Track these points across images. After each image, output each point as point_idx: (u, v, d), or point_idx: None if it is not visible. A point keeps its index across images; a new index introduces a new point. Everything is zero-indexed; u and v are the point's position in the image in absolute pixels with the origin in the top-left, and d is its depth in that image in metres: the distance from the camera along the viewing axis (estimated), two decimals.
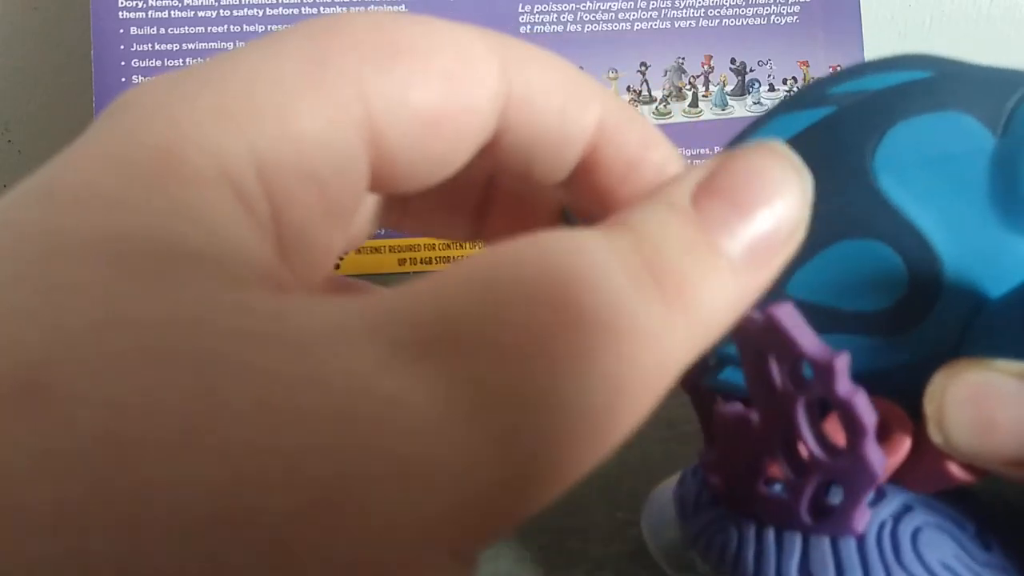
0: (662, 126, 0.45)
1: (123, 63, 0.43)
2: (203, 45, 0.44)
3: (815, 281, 0.16)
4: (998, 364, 0.15)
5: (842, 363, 0.14)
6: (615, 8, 0.45)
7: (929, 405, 0.16)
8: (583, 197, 0.17)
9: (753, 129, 0.17)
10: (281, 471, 0.09)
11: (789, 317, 0.14)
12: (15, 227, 0.11)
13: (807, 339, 0.14)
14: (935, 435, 0.16)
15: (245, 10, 0.44)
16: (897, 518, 0.17)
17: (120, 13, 0.43)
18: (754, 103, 0.46)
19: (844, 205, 0.16)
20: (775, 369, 0.15)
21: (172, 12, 0.44)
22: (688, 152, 0.45)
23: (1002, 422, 0.15)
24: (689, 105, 0.45)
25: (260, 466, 0.09)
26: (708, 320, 0.12)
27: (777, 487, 0.17)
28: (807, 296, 0.16)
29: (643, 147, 0.16)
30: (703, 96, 0.45)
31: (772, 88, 0.46)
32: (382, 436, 0.10)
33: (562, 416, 0.11)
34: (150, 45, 0.43)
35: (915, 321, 0.16)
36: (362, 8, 0.44)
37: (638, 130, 0.16)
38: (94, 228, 0.11)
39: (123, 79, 0.43)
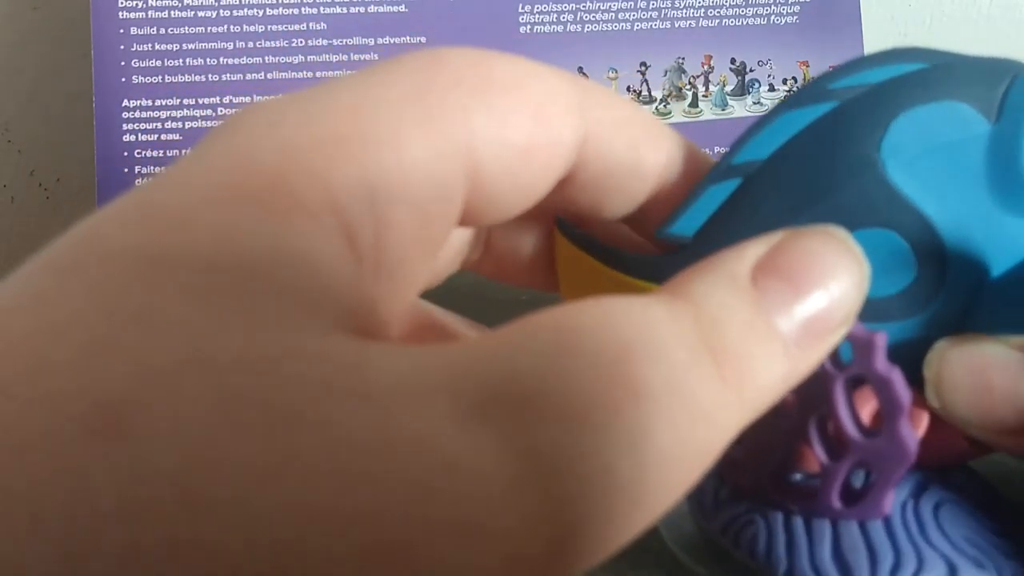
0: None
1: (123, 63, 0.43)
2: (203, 45, 0.44)
3: None
4: (998, 337, 0.16)
5: (881, 341, 0.15)
6: (615, 8, 0.45)
7: (928, 370, 0.16)
8: (647, 231, 0.17)
9: (758, 128, 0.17)
10: (342, 534, 0.10)
11: None
12: (111, 245, 0.11)
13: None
14: (932, 399, 0.16)
15: (245, 10, 0.44)
16: (917, 496, 0.17)
17: (120, 13, 0.43)
18: (754, 103, 0.46)
19: (856, 196, 0.16)
20: None
21: (172, 12, 0.44)
22: None
23: (999, 389, 0.15)
24: (689, 105, 0.45)
25: (323, 527, 0.10)
26: (759, 398, 0.13)
27: (797, 476, 0.17)
28: None
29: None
30: (703, 96, 0.45)
31: (772, 88, 0.46)
32: (443, 502, 0.10)
33: (615, 488, 0.11)
34: (150, 45, 0.43)
35: (922, 305, 0.16)
36: (363, 9, 0.44)
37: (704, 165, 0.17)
38: (191, 258, 0.11)
39: (123, 79, 0.43)
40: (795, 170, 0.16)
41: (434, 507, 0.10)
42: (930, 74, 0.16)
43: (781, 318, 0.13)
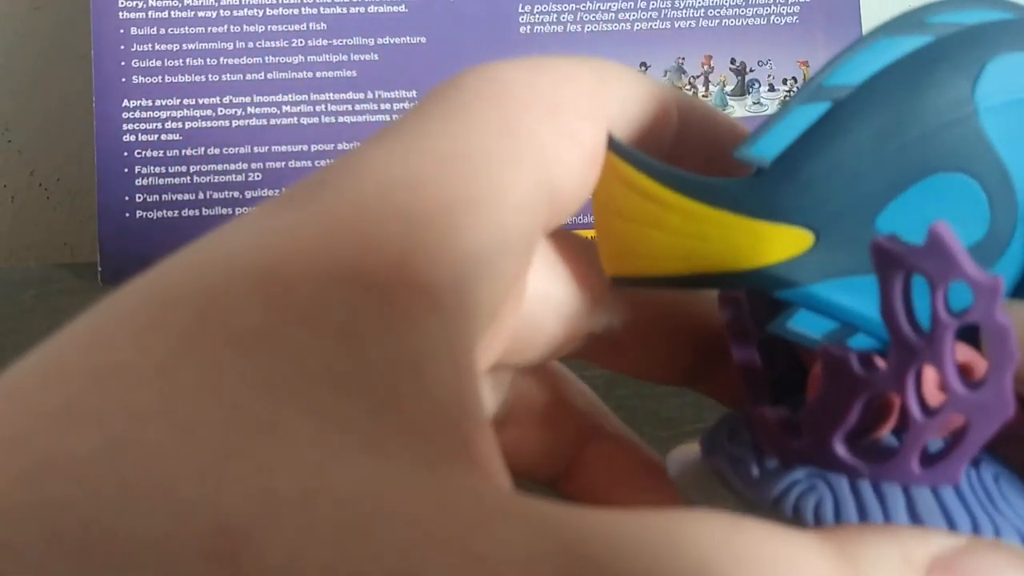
0: None
1: (123, 63, 0.43)
2: (203, 45, 0.44)
3: (906, 216, 0.16)
4: None
5: (1001, 286, 0.13)
6: (615, 8, 0.45)
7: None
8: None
9: (851, 52, 0.16)
10: None
11: (951, 237, 0.13)
12: (231, 325, 0.11)
13: (968, 261, 0.13)
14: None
15: (245, 10, 0.44)
16: (976, 465, 0.16)
17: (120, 13, 0.43)
18: (754, 103, 0.46)
19: (946, 137, 0.15)
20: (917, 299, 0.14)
21: (172, 12, 0.44)
22: None
23: None
24: None
25: None
26: None
27: (875, 437, 0.16)
28: (897, 231, 0.15)
29: (715, 130, 0.17)
30: (703, 96, 0.45)
31: (772, 88, 0.46)
32: None
33: None
34: (150, 45, 0.43)
35: (990, 263, 0.16)
36: (363, 9, 0.44)
37: (710, 116, 0.17)
38: (317, 364, 0.10)
39: (123, 79, 0.43)
40: (888, 101, 0.16)
41: None
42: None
43: None
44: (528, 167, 0.14)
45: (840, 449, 0.16)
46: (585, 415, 0.20)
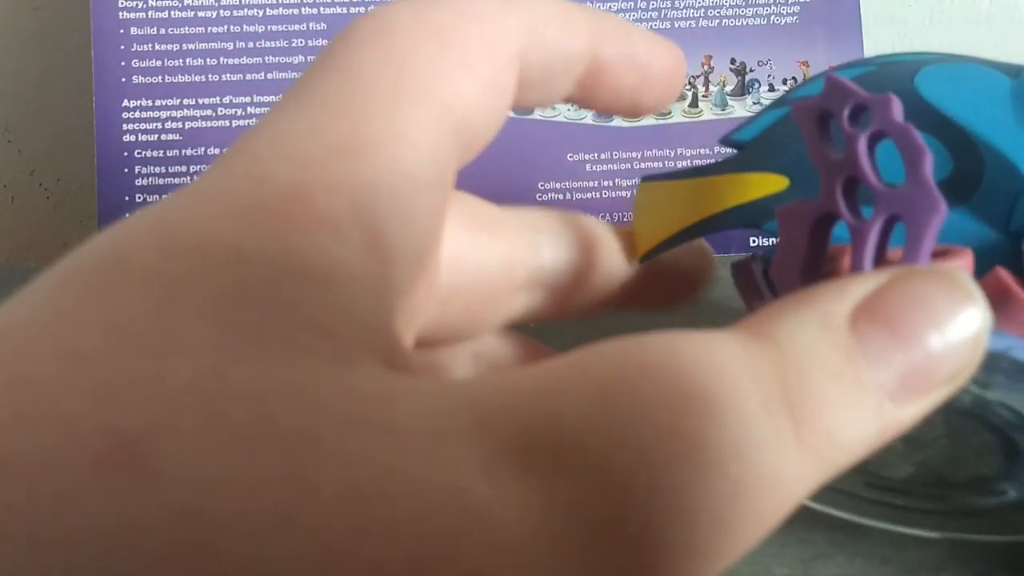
0: (662, 127, 0.45)
1: (123, 63, 0.43)
2: (203, 45, 0.44)
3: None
4: None
5: (895, 100, 0.15)
6: (615, 8, 0.45)
7: None
8: (585, 103, 0.17)
9: (813, 78, 0.21)
10: None
11: (843, 79, 0.16)
12: (131, 267, 0.11)
13: (862, 89, 0.16)
14: None
15: (245, 10, 0.44)
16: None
17: (120, 13, 0.43)
18: (754, 103, 0.46)
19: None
20: (830, 131, 0.17)
21: (172, 12, 0.44)
22: (688, 152, 0.45)
23: None
24: (689, 105, 0.45)
25: (339, 570, 0.09)
26: (839, 459, 0.11)
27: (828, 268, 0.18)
28: None
29: (642, 54, 0.17)
30: (703, 96, 0.45)
31: (772, 88, 0.46)
32: (465, 551, 0.09)
33: (661, 555, 0.10)
34: (150, 45, 0.43)
35: (966, 196, 0.18)
36: (362, 9, 0.44)
37: (636, 41, 0.17)
38: (211, 284, 0.11)
39: (123, 79, 0.43)
40: None
41: (457, 561, 0.09)
42: (955, 55, 0.20)
43: (878, 369, 0.12)
44: (421, 102, 0.13)
45: (801, 284, 0.17)
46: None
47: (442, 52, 0.14)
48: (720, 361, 0.11)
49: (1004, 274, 0.17)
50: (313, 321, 0.11)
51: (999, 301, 0.17)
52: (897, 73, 0.20)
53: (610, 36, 0.16)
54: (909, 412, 0.12)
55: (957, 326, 0.12)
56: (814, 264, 0.17)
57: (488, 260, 0.17)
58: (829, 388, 0.11)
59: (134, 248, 0.11)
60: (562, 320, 0.19)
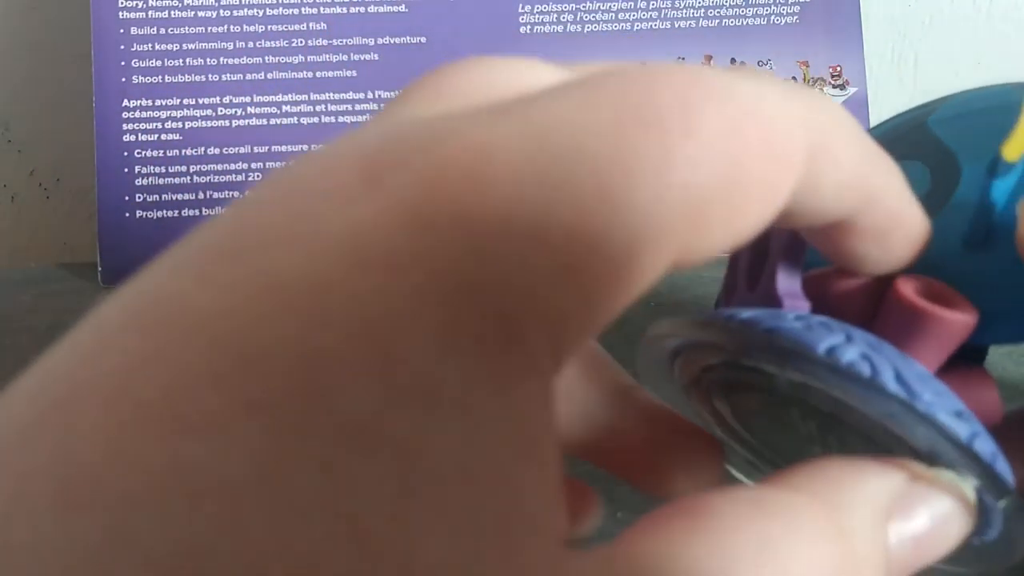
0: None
1: (123, 63, 0.43)
2: (203, 45, 0.44)
3: None
4: None
5: None
6: (615, 8, 0.45)
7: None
8: (819, 242, 0.16)
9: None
10: None
11: None
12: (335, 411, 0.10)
13: None
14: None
15: (245, 10, 0.44)
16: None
17: (120, 13, 0.43)
18: None
19: (902, 142, 0.20)
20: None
21: (172, 12, 0.44)
22: None
23: None
24: None
25: None
26: None
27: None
28: None
29: (891, 223, 0.15)
30: None
31: None
32: None
33: None
34: (150, 45, 0.43)
35: (935, 208, 0.19)
36: (363, 9, 0.44)
37: (899, 220, 0.15)
38: (436, 455, 0.10)
39: (123, 79, 0.43)
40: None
41: None
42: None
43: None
44: (664, 190, 0.11)
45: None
46: (619, 376, 0.19)
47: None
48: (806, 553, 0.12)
49: (905, 287, 0.17)
50: (527, 509, 0.10)
51: (909, 317, 0.17)
52: (922, 109, 0.21)
53: (887, 196, 0.14)
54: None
55: (953, 531, 0.14)
56: (756, 270, 0.18)
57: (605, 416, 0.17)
58: None
59: (345, 393, 0.10)
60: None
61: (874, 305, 0.17)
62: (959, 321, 0.16)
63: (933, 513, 0.14)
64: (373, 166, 0.11)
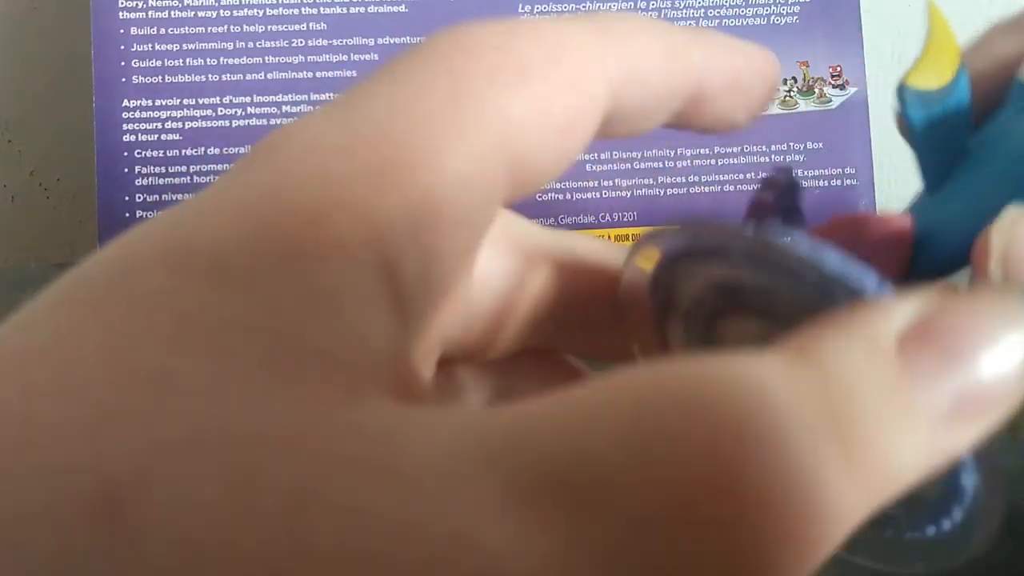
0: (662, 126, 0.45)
1: (123, 63, 0.43)
2: (203, 45, 0.44)
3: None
4: None
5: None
6: (615, 9, 0.45)
7: (998, 235, 0.15)
8: (679, 125, 0.17)
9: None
10: None
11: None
12: (136, 289, 0.11)
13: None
14: (995, 271, 0.15)
15: (245, 10, 0.44)
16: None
17: (120, 13, 0.43)
18: None
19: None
20: None
21: (172, 12, 0.44)
22: (689, 152, 0.45)
23: None
24: None
25: None
26: (888, 487, 0.11)
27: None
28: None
29: (744, 74, 0.16)
30: None
31: None
32: None
33: None
34: (150, 45, 0.43)
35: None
36: (363, 9, 0.44)
37: (736, 63, 0.16)
38: (218, 312, 0.10)
39: (123, 79, 0.43)
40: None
41: None
42: None
43: (931, 392, 0.11)
44: (473, 133, 0.13)
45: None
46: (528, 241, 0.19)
47: (515, 86, 0.13)
48: (762, 388, 0.10)
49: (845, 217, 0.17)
50: (321, 350, 0.10)
51: (851, 234, 0.17)
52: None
53: (714, 65, 0.16)
54: (962, 437, 0.11)
55: (1009, 349, 0.12)
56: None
57: (517, 284, 0.17)
58: (880, 412, 0.11)
59: (143, 267, 0.11)
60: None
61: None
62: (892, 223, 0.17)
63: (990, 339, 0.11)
64: (221, 177, 0.13)
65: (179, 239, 0.11)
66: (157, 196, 0.43)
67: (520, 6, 0.44)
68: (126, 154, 0.43)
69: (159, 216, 0.12)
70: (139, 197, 0.43)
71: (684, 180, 0.45)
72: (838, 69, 0.46)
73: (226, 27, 0.44)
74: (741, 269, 0.14)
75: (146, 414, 0.09)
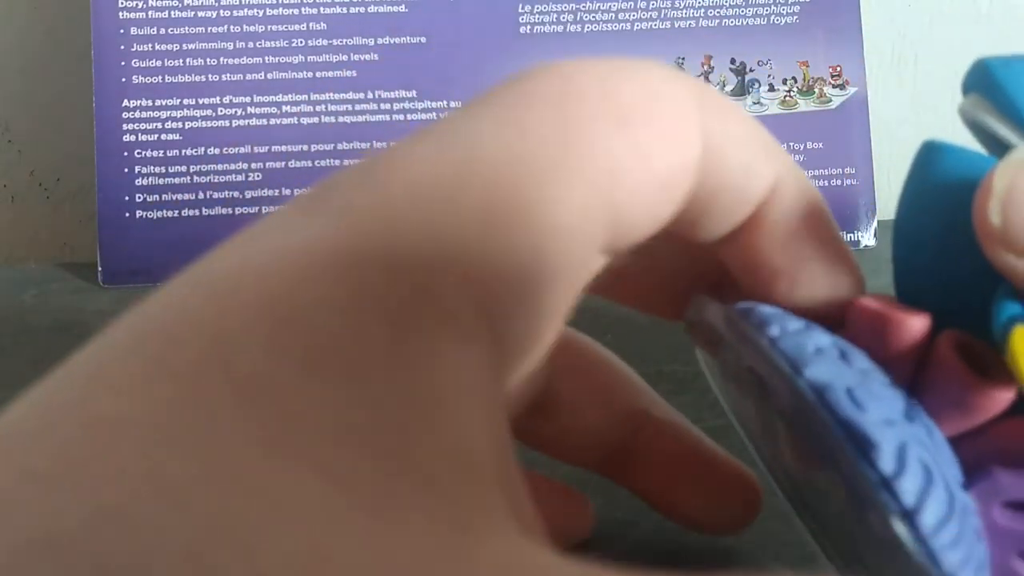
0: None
1: (123, 63, 0.43)
2: (203, 45, 0.44)
3: None
4: None
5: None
6: (615, 8, 0.45)
7: (1000, 180, 0.14)
8: (736, 257, 0.16)
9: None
10: None
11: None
12: (234, 380, 0.10)
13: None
14: (994, 215, 0.14)
15: (245, 10, 0.44)
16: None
17: (120, 13, 0.43)
18: (754, 103, 0.46)
19: None
20: None
21: (172, 12, 0.44)
22: None
23: None
24: None
25: None
26: None
27: None
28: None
29: (809, 220, 0.15)
30: None
31: (772, 88, 0.46)
32: None
33: None
34: (150, 45, 0.43)
35: None
36: (363, 9, 0.44)
37: (809, 202, 0.15)
38: (319, 415, 0.09)
39: (123, 79, 0.43)
40: None
41: None
42: None
43: None
44: (585, 185, 0.12)
45: None
46: (633, 399, 0.19)
47: (621, 134, 0.13)
48: None
49: (869, 301, 0.15)
50: (427, 472, 0.09)
51: (876, 328, 0.16)
52: None
53: (793, 184, 0.15)
54: None
55: None
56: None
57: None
58: None
59: (239, 342, 0.10)
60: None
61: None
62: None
63: None
64: (310, 202, 0.12)
65: (274, 304, 0.10)
66: (157, 196, 0.43)
67: (520, 6, 0.44)
68: (126, 154, 0.43)
69: (250, 243, 0.11)
70: (139, 197, 0.43)
71: None
72: (838, 69, 0.46)
73: (226, 27, 0.44)
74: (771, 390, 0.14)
75: (249, 535, 0.08)
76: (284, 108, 0.44)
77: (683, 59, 0.46)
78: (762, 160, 0.15)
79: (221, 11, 0.44)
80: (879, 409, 0.13)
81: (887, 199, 0.46)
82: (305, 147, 0.44)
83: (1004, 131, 0.15)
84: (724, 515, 0.19)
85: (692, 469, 0.19)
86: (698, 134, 0.14)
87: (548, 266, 0.12)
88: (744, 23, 0.46)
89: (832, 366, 0.14)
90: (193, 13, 0.44)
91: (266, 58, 0.44)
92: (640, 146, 0.13)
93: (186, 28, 0.44)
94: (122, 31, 0.43)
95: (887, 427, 0.13)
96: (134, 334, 0.10)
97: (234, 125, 0.44)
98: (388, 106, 0.44)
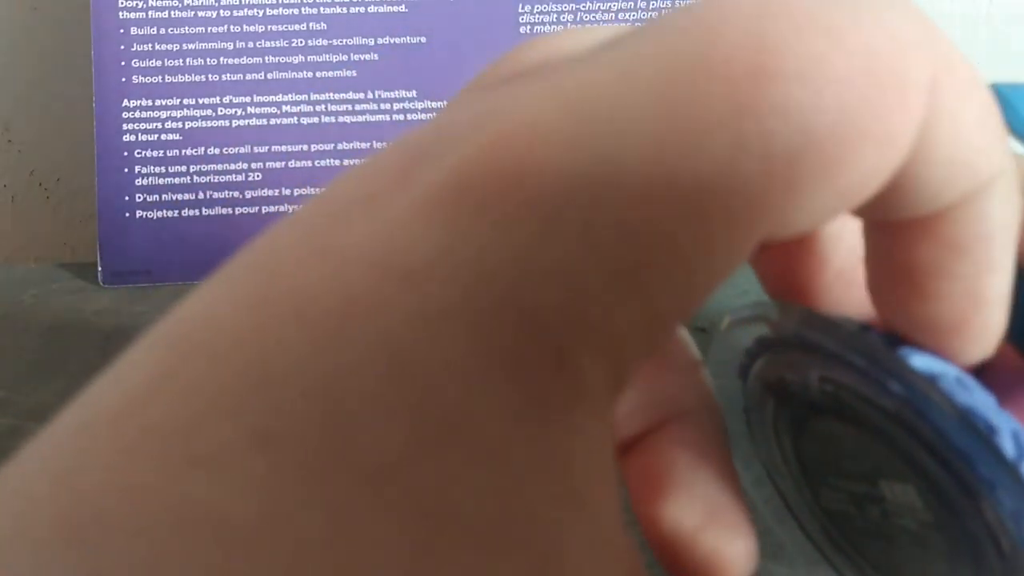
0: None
1: (123, 63, 0.43)
2: (203, 45, 0.44)
3: None
4: None
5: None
6: (615, 8, 0.45)
7: None
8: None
9: None
10: None
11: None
12: (355, 469, 0.08)
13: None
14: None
15: (245, 10, 0.44)
16: None
17: (120, 13, 0.43)
18: None
19: None
20: None
21: (172, 12, 0.44)
22: None
23: None
24: None
25: None
26: None
27: None
28: None
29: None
30: None
31: None
32: None
33: None
34: (150, 45, 0.43)
35: None
36: (363, 9, 0.44)
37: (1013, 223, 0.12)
38: (459, 516, 0.08)
39: (123, 79, 0.43)
40: None
41: None
42: None
43: None
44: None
45: None
46: (676, 381, 0.16)
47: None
48: None
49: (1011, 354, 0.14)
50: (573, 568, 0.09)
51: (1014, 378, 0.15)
52: None
53: (985, 196, 0.11)
54: None
55: None
56: None
57: None
58: None
59: (363, 429, 0.08)
60: None
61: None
62: None
63: None
64: (407, 163, 0.10)
65: (391, 358, 0.09)
66: (157, 196, 0.43)
67: (520, 6, 0.44)
68: (126, 154, 0.43)
69: (327, 281, 0.09)
70: (139, 197, 0.43)
71: None
72: None
73: (226, 27, 0.44)
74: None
75: None
76: (284, 108, 0.44)
77: None
78: (982, 161, 0.11)
79: (221, 11, 0.44)
80: (987, 397, 0.13)
81: None
82: (305, 147, 0.44)
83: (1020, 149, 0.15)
84: None
85: (700, 471, 0.18)
86: (923, 92, 0.10)
87: (672, 322, 0.10)
88: None
89: (934, 358, 0.13)
90: (193, 13, 0.44)
91: (266, 58, 0.44)
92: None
93: (186, 28, 0.44)
94: (122, 31, 0.43)
95: (1000, 413, 0.12)
96: (225, 391, 0.09)
97: (234, 125, 0.44)
98: (388, 106, 0.44)
